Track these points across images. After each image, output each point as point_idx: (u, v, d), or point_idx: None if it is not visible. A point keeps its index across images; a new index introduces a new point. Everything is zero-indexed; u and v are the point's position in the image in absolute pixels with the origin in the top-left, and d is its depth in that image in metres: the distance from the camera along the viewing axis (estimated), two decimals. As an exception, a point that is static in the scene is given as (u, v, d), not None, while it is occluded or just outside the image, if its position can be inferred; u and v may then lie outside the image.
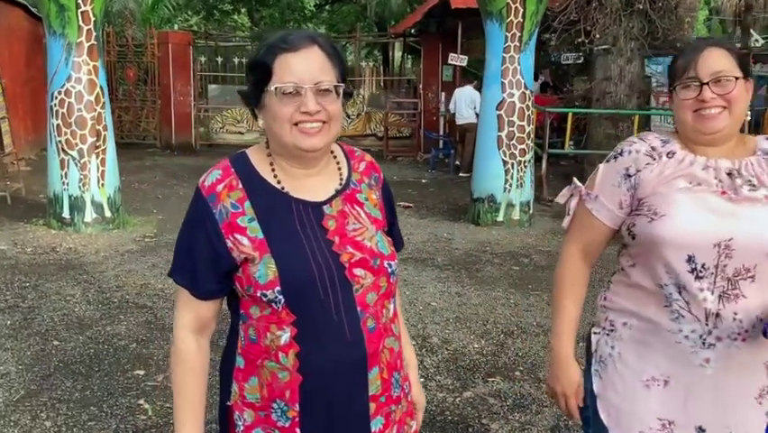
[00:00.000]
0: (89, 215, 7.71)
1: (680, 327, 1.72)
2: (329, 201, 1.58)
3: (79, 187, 7.66)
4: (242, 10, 22.57)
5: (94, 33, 7.60)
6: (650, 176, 1.77)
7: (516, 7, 7.99)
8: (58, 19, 7.40)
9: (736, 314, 1.69)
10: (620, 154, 1.84)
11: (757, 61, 15.36)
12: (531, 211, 8.67)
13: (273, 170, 1.58)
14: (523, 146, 8.39)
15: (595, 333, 1.94)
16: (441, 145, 14.33)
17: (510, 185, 8.39)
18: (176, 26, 19.40)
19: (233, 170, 1.56)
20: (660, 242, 1.71)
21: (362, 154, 1.76)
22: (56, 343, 4.61)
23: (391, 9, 21.68)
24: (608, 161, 1.86)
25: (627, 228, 1.82)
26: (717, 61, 1.71)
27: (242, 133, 16.99)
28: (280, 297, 1.48)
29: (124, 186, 8.68)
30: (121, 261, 6.66)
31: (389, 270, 1.60)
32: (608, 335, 1.88)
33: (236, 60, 17.13)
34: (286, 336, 1.51)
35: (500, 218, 8.43)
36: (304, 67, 1.48)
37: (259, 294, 1.49)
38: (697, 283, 1.69)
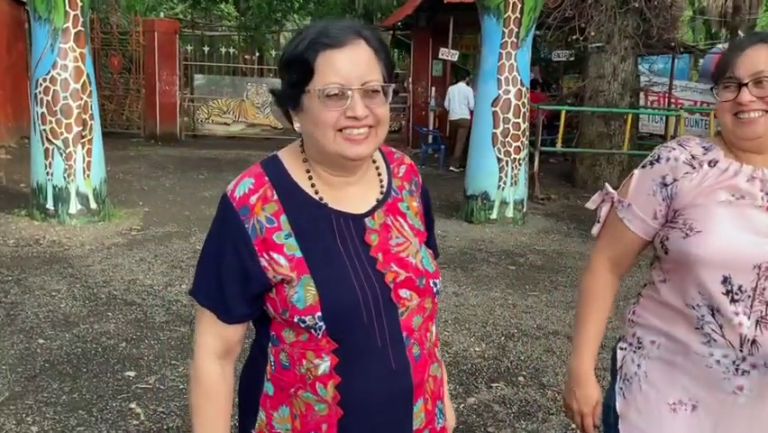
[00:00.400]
0: (74, 206, 7.49)
1: (711, 351, 1.60)
2: (371, 213, 1.43)
3: (64, 177, 7.44)
4: (229, -1, 22.26)
5: (81, 19, 7.37)
6: (689, 186, 1.64)
7: (514, 2, 7.87)
8: (43, 4, 7.15)
9: None
10: (657, 161, 1.69)
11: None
12: (524, 209, 8.58)
13: (310, 177, 1.42)
14: (518, 144, 8.29)
15: (621, 348, 1.81)
16: (431, 140, 14.21)
17: (504, 183, 8.29)
18: (161, 14, 19.05)
19: (266, 178, 1.39)
20: (694, 260, 1.59)
21: (401, 156, 1.59)
22: (41, 341, 4.42)
23: (380, 2, 21.51)
24: (643, 167, 1.73)
25: (661, 241, 1.70)
26: (760, 60, 1.57)
27: (228, 124, 16.74)
28: (321, 323, 1.32)
29: (109, 176, 8.44)
30: (107, 254, 6.46)
31: (434, 289, 1.46)
32: (634, 352, 1.76)
33: (222, 50, 16.87)
34: (325, 365, 1.35)
35: (494, 216, 8.33)
36: (350, 65, 1.31)
37: (296, 319, 1.33)
38: (732, 307, 1.57)
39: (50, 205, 7.46)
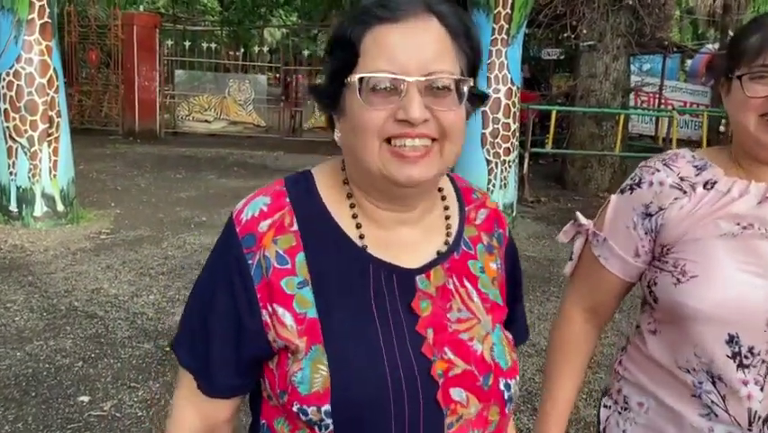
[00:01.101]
0: (39, 208, 7.09)
1: (711, 426, 1.25)
2: (426, 269, 1.04)
3: (29, 177, 7.04)
4: (213, -7, 21.82)
5: (47, 10, 6.96)
6: (678, 214, 1.28)
7: (504, -3, 7.55)
8: (7, -7, 6.74)
9: None
10: (638, 185, 1.34)
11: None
12: (514, 213, 8.27)
13: (352, 206, 1.05)
14: (508, 145, 7.97)
15: (606, 406, 1.47)
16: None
17: (494, 185, 7.97)
18: (141, 8, 18.57)
19: (288, 199, 1.04)
20: (689, 314, 1.23)
21: (483, 196, 1.18)
22: (-12, 360, 4.04)
23: (367, -2, 21.16)
24: (621, 193, 1.38)
25: (648, 285, 1.34)
26: None
27: (210, 122, 16.31)
28: (328, 421, 0.95)
29: (81, 175, 8.07)
30: (72, 260, 6.06)
31: (506, 394, 1.04)
32: (619, 413, 1.42)
33: (205, 45, 16.43)
34: None
35: (482, 220, 8.00)
36: (408, 47, 0.94)
37: (295, 408, 0.97)
38: (739, 373, 1.21)
39: (13, 207, 7.05)
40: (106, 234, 7.05)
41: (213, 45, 16.75)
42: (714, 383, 1.24)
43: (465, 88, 0.97)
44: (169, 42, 16.27)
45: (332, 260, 1.01)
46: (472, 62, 1.00)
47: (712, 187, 1.28)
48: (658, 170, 1.33)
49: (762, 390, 1.21)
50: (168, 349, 4.24)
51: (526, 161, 9.92)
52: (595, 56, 10.47)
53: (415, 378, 0.97)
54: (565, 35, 10.45)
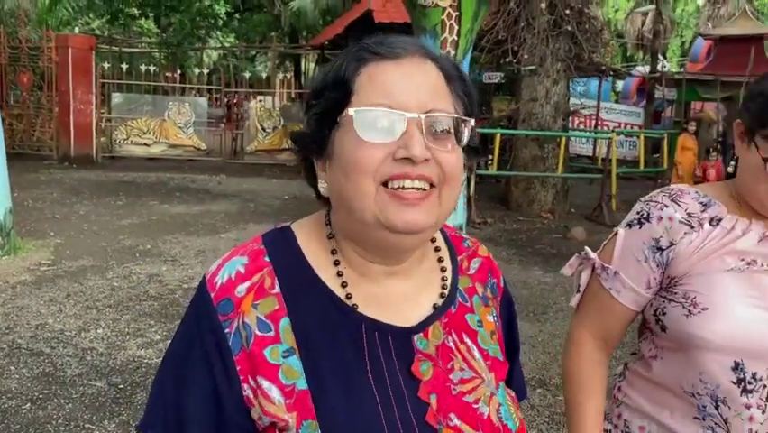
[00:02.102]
0: (-26, 240, 6.76)
1: None
2: (423, 327, 0.96)
3: (-38, 207, 6.71)
4: (150, 15, 21.43)
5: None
6: (687, 249, 1.32)
7: (451, 24, 7.65)
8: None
9: None
10: (647, 219, 1.37)
11: (663, 85, 15.89)
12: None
13: (336, 263, 0.96)
14: (456, 168, 8.06)
15: (606, 430, 1.49)
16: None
17: (443, 208, 8.04)
18: (76, 29, 18.11)
19: (267, 259, 0.95)
20: (699, 344, 1.28)
21: (474, 245, 1.11)
22: (-72, 406, 3.80)
23: (306, 20, 21.21)
24: (629, 226, 1.40)
25: (655, 313, 1.38)
26: None
27: (149, 145, 15.96)
28: None
29: (16, 203, 7.73)
30: (12, 295, 5.79)
31: None
32: None
33: (143, 68, 16.12)
34: None
35: (432, 243, 8.04)
36: (405, 84, 0.89)
37: None
38: (743, 398, 1.27)
39: (-55, 238, 6.70)
40: (47, 265, 6.77)
41: (151, 67, 16.46)
42: (717, 407, 1.29)
43: (466, 131, 0.92)
44: (106, 65, 15.91)
45: (320, 323, 0.92)
46: (468, 108, 0.95)
47: (717, 223, 1.31)
48: (666, 206, 1.35)
49: (763, 412, 1.26)
50: (122, 387, 4.09)
51: (473, 183, 10.05)
52: (536, 80, 10.73)
53: None
54: (507, 60, 10.68)
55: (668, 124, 16.85)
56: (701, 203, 1.35)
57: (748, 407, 1.26)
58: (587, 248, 1.49)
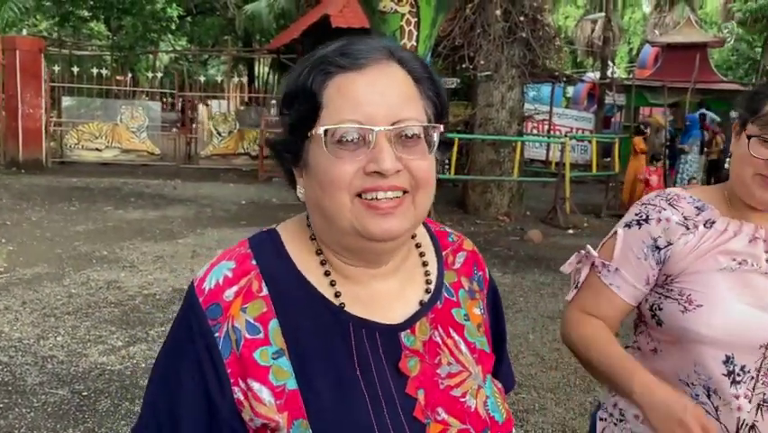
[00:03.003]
0: None
1: None
2: (410, 324, 0.97)
3: None
4: (101, 17, 21.00)
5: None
6: (683, 249, 1.42)
7: (409, 30, 7.77)
8: None
9: None
10: (645, 221, 1.47)
11: (613, 90, 16.29)
12: (423, 239, 8.42)
13: (323, 262, 0.98)
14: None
15: (601, 419, 1.58)
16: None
17: (403, 212, 8.12)
18: (24, 31, 17.66)
19: (254, 262, 0.96)
20: (694, 338, 1.38)
21: (459, 239, 1.13)
22: None
23: (261, 24, 21.10)
24: (628, 227, 1.49)
25: (651, 309, 1.48)
26: None
27: (100, 150, 15.63)
28: None
29: (-35, 211, 7.52)
30: (-36, 303, 5.64)
31: None
32: (615, 424, 1.54)
33: (93, 71, 15.80)
34: None
35: (393, 247, 8.10)
36: (374, 95, 0.89)
37: None
38: (732, 389, 1.38)
39: None
40: (0, 273, 6.61)
41: (102, 71, 16.15)
42: (709, 396, 1.39)
43: (435, 136, 0.93)
44: (55, 68, 15.55)
45: (308, 324, 0.93)
46: (438, 108, 0.96)
47: (711, 225, 1.43)
48: (664, 209, 1.46)
49: (750, 402, 1.37)
50: (85, 394, 4.03)
51: (431, 187, 10.15)
52: (492, 86, 10.90)
53: None
54: (463, 65, 10.83)
55: (618, 128, 17.29)
56: (696, 207, 1.45)
57: (737, 397, 1.37)
58: (588, 246, 1.57)
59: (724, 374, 1.37)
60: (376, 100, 0.90)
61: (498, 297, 1.16)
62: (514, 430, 1.04)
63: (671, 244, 1.43)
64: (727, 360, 1.37)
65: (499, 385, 1.06)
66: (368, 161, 0.89)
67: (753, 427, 1.37)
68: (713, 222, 1.43)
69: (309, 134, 0.92)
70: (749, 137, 1.39)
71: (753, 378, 1.37)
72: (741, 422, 1.37)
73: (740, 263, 1.39)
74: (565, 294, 1.63)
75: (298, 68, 0.94)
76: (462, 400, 0.97)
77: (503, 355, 1.16)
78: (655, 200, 1.49)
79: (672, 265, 1.43)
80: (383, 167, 0.88)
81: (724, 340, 1.36)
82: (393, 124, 0.90)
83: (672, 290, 1.43)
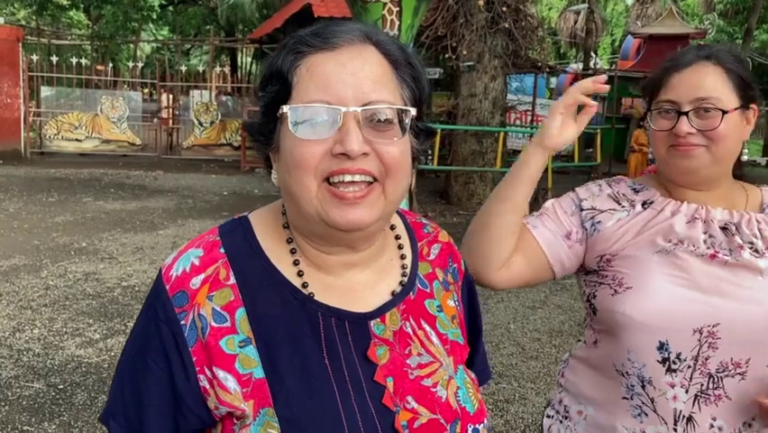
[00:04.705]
0: None
1: (642, 428, 1.35)
2: (380, 313, 0.96)
3: None
4: (80, 6, 20.73)
5: None
6: (612, 227, 1.40)
7: (391, 20, 7.68)
8: None
9: (714, 419, 1.31)
10: (577, 189, 1.49)
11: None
12: (405, 230, 8.41)
13: (293, 251, 0.96)
14: (398, 163, 8.12)
15: (548, 416, 1.56)
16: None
17: (385, 203, 8.09)
18: (1, 20, 17.38)
19: (222, 250, 0.95)
20: (624, 322, 1.33)
21: (435, 230, 1.11)
22: None
23: (243, 14, 20.93)
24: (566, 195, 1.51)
25: (588, 298, 1.45)
26: (703, 83, 1.32)
27: (80, 141, 15.46)
28: None
29: (-59, 202, 7.40)
30: (-62, 296, 5.55)
31: None
32: (560, 422, 1.51)
33: (73, 61, 15.60)
34: None
35: (375, 238, 8.08)
36: (344, 75, 0.87)
37: None
38: (667, 377, 1.31)
39: None
40: (-24, 264, 6.51)
41: (82, 60, 15.94)
42: (644, 387, 1.34)
43: (407, 120, 0.90)
44: (34, 57, 15.33)
45: (276, 312, 0.92)
46: (416, 93, 0.94)
47: (649, 206, 1.40)
48: (599, 185, 1.48)
49: (686, 392, 1.31)
50: (61, 387, 3.98)
51: (413, 177, 10.13)
52: (474, 76, 10.88)
53: (377, 432, 0.90)
54: (446, 56, 10.79)
55: (600, 119, 17.36)
56: (634, 189, 1.45)
57: (672, 386, 1.31)
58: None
59: (658, 361, 1.31)
60: (346, 80, 0.87)
61: (473, 289, 1.15)
62: (487, 421, 1.03)
63: (596, 210, 1.42)
64: (661, 346, 1.30)
65: (473, 376, 1.05)
66: (335, 142, 0.86)
67: (690, 419, 1.31)
68: (651, 202, 1.41)
69: (279, 115, 0.90)
70: (648, 114, 1.39)
71: (689, 367, 1.30)
72: (678, 414, 1.31)
73: (676, 244, 1.34)
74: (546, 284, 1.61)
75: (276, 51, 0.93)
76: (433, 390, 0.96)
77: (478, 347, 1.15)
78: (594, 181, 1.52)
79: (604, 242, 1.40)
80: (348, 148, 0.85)
81: (654, 324, 1.30)
82: (363, 106, 0.87)
83: (606, 276, 1.39)
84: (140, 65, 16.87)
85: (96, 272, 6.38)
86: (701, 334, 1.28)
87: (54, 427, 3.57)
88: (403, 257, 1.03)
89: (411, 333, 0.98)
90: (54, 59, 15.46)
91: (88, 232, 7.97)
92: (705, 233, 1.35)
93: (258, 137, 0.95)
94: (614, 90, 15.28)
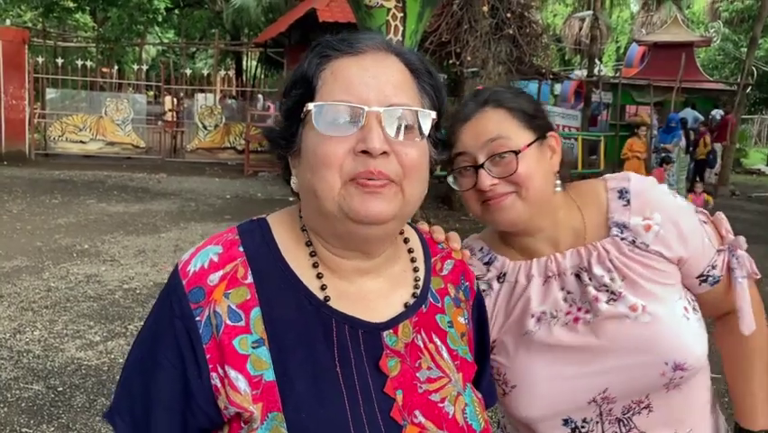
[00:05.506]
0: None
1: None
2: (393, 324, 0.96)
3: None
4: (86, 9, 20.82)
5: None
6: (489, 309, 1.30)
7: (395, 25, 7.72)
8: None
9: None
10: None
11: (600, 88, 16.35)
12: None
13: (313, 254, 0.97)
14: (400, 168, 8.13)
15: None
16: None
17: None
18: (8, 21, 17.48)
19: (241, 249, 0.95)
20: (524, 419, 1.29)
21: (449, 248, 1.12)
22: None
23: (249, 17, 20.99)
24: None
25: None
26: (487, 129, 1.21)
27: (85, 142, 15.52)
28: None
29: (-56, 203, 7.42)
30: (-60, 297, 5.56)
31: None
32: None
33: (79, 63, 15.66)
34: None
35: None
36: (367, 78, 0.90)
37: None
38: None
39: None
40: (-22, 265, 6.53)
41: (87, 63, 16.00)
42: None
43: (427, 124, 0.93)
44: (39, 59, 15.41)
45: (290, 315, 0.92)
46: (435, 102, 0.97)
47: (503, 278, 1.32)
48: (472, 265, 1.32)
49: None
50: (60, 389, 3.98)
51: (416, 183, 10.13)
52: (478, 82, 10.89)
53: None
54: (450, 61, 10.81)
55: (604, 126, 17.33)
56: (485, 263, 1.34)
57: None
58: None
59: (569, 430, 1.28)
60: (368, 83, 0.90)
61: (483, 309, 1.16)
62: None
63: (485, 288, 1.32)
64: (566, 422, 1.28)
65: (479, 396, 1.04)
66: (357, 140, 0.89)
67: None
68: (504, 273, 1.31)
69: (303, 114, 0.92)
70: (450, 175, 1.26)
71: (597, 422, 1.27)
72: None
73: (539, 320, 1.27)
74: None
75: (303, 57, 0.95)
76: (441, 405, 0.95)
77: (485, 368, 1.15)
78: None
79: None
80: (370, 145, 0.87)
81: (550, 414, 1.27)
82: (386, 107, 0.90)
83: (493, 367, 1.31)
84: (145, 68, 16.93)
85: (98, 275, 6.39)
86: (596, 401, 1.26)
87: (53, 428, 3.57)
88: (416, 270, 1.04)
89: (422, 346, 0.98)
90: (60, 61, 15.57)
91: (91, 234, 7.99)
92: (562, 289, 1.28)
93: (279, 141, 0.96)
94: (618, 98, 15.26)
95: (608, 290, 1.24)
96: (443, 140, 1.01)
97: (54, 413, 3.73)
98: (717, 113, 16.35)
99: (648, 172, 11.40)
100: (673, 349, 1.21)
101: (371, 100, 0.89)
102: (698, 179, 12.29)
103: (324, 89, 0.91)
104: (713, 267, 1.28)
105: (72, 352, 4.56)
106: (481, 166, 1.20)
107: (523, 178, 1.20)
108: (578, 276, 1.26)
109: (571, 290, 1.27)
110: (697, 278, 1.29)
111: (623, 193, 1.28)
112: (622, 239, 1.25)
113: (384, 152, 0.88)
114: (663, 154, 11.94)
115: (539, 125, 1.25)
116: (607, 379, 1.23)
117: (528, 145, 1.22)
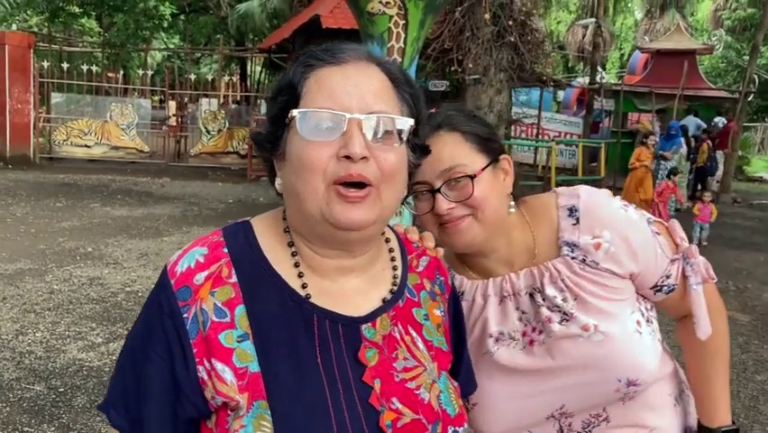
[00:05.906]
0: None
1: None
2: (371, 318, 1.02)
3: None
4: (92, 14, 20.94)
5: None
6: None
7: (398, 32, 7.76)
8: None
9: None
10: None
11: (602, 96, 16.39)
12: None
13: (294, 254, 1.03)
14: (401, 174, 8.17)
15: None
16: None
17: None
18: (14, 26, 17.59)
19: (225, 250, 1.01)
20: None
21: (422, 246, 1.19)
22: None
23: (253, 23, 21.08)
24: None
25: None
26: (443, 154, 1.24)
27: (89, 147, 15.60)
28: None
29: (-51, 206, 7.50)
30: (-55, 298, 5.62)
31: None
32: None
33: (84, 67, 15.76)
34: None
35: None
36: (349, 86, 0.96)
37: None
38: None
39: None
40: (-18, 267, 6.60)
41: (93, 67, 16.10)
42: None
43: (405, 131, 0.98)
44: (45, 63, 15.51)
45: (274, 311, 0.98)
46: (414, 111, 1.02)
47: (462, 297, 1.33)
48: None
49: None
50: (62, 390, 4.04)
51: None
52: (480, 89, 10.96)
53: (362, 429, 0.95)
54: (452, 68, 10.88)
55: (606, 134, 17.38)
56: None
57: None
58: None
59: None
60: (350, 91, 0.96)
61: (458, 303, 1.23)
62: (467, 425, 1.08)
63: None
64: None
65: (455, 384, 1.10)
66: (339, 146, 0.94)
67: None
68: (462, 292, 1.34)
69: (287, 120, 0.97)
70: (407, 199, 1.28)
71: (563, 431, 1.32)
72: None
73: (497, 340, 1.31)
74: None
75: (289, 66, 1.01)
76: (417, 392, 1.01)
77: (462, 357, 1.21)
78: None
79: None
80: (351, 150, 0.93)
81: (510, 430, 1.32)
82: (366, 114, 0.95)
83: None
84: (150, 73, 17.02)
85: (101, 277, 6.45)
86: (554, 416, 1.30)
87: (53, 429, 3.62)
88: (395, 268, 1.10)
89: (399, 338, 1.04)
90: (65, 65, 15.63)
91: (94, 237, 8.05)
92: (517, 309, 1.32)
93: (264, 144, 1.02)
94: (620, 105, 15.30)
95: (560, 311, 1.27)
96: (421, 145, 1.06)
97: (55, 413, 3.79)
98: (720, 120, 16.37)
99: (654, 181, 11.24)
100: (626, 367, 1.25)
101: (353, 107, 0.95)
102: (702, 187, 12.19)
103: (308, 96, 0.97)
104: (667, 276, 1.32)
105: (74, 353, 4.62)
106: (438, 190, 1.24)
107: (479, 201, 1.24)
108: (531, 296, 1.30)
109: (526, 309, 1.31)
110: (651, 288, 1.32)
111: (572, 211, 1.31)
112: (573, 258, 1.28)
113: (364, 157, 0.94)
114: (671, 166, 11.78)
115: (493, 149, 1.29)
116: (563, 395, 1.28)
117: (483, 169, 1.25)
